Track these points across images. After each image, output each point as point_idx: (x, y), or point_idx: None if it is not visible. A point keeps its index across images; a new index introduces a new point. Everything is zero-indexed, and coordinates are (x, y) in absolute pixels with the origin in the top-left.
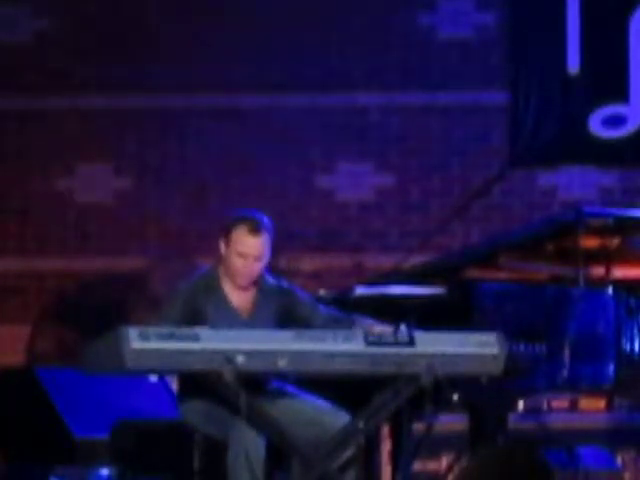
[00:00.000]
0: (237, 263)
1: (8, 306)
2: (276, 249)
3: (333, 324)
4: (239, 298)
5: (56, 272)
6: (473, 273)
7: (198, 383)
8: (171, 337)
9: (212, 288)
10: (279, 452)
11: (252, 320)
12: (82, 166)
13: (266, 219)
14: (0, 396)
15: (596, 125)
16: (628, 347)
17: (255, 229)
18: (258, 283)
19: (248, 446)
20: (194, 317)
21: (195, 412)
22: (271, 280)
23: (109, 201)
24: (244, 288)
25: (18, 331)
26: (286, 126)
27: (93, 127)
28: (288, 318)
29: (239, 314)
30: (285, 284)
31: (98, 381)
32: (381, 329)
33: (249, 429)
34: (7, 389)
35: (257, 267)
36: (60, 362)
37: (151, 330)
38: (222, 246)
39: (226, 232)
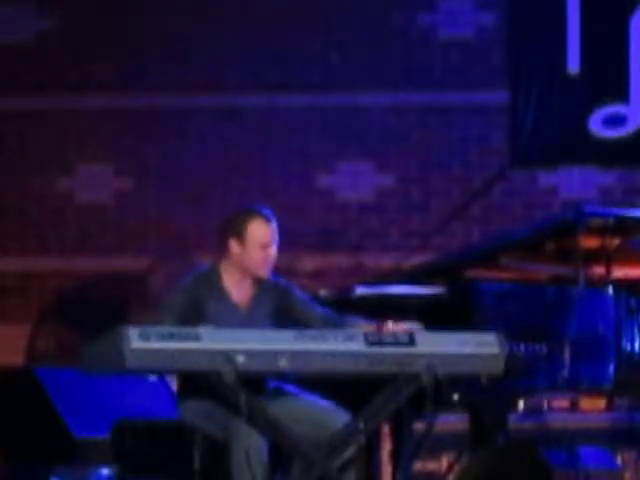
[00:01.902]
0: (259, 255)
1: (8, 306)
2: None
3: (326, 324)
4: (239, 293)
5: (56, 272)
6: (473, 273)
7: (197, 383)
8: (171, 337)
9: (213, 283)
10: (279, 452)
11: (250, 315)
12: (82, 166)
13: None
14: (0, 396)
15: (596, 125)
16: (628, 347)
17: (268, 217)
18: (258, 280)
19: (251, 447)
20: (194, 310)
21: (194, 412)
22: (271, 278)
23: (109, 201)
24: (258, 281)
25: (18, 331)
26: (286, 126)
27: (93, 127)
28: (284, 315)
29: (238, 308)
30: (283, 282)
31: (98, 381)
32: (372, 329)
33: (252, 430)
34: (7, 389)
35: (274, 254)
36: (60, 362)
37: (151, 330)
38: (234, 245)
39: (238, 231)
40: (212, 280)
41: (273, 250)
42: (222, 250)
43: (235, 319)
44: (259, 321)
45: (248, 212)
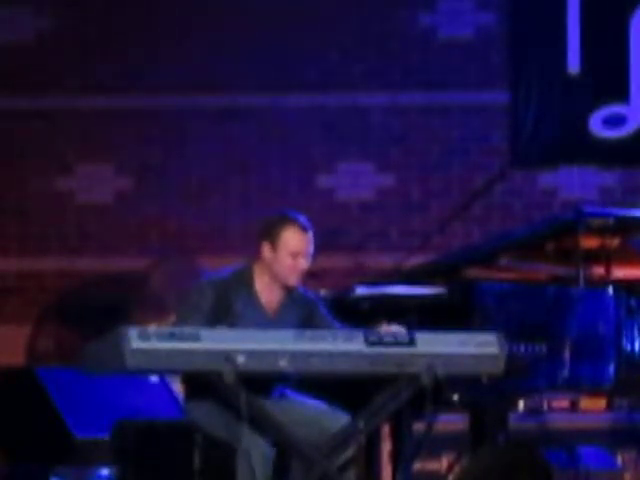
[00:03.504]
0: (289, 263)
1: (8, 306)
2: None
3: None
4: (268, 298)
5: (56, 272)
6: (473, 273)
7: (202, 383)
8: (171, 337)
9: (244, 285)
10: (279, 452)
11: (277, 320)
12: (82, 166)
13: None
14: (0, 396)
15: (596, 125)
16: (628, 347)
17: (305, 227)
18: (287, 287)
19: (257, 453)
20: (223, 310)
21: (199, 411)
22: (300, 288)
23: (109, 201)
24: (287, 288)
25: (18, 331)
26: (286, 126)
27: (93, 127)
28: (307, 326)
29: (266, 312)
30: (312, 295)
31: (98, 381)
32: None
33: (258, 436)
34: (7, 389)
35: (306, 264)
36: (60, 362)
37: (151, 330)
38: (266, 249)
39: (272, 235)
40: (244, 280)
41: (305, 260)
42: (256, 252)
43: (261, 322)
44: (284, 327)
45: (285, 218)
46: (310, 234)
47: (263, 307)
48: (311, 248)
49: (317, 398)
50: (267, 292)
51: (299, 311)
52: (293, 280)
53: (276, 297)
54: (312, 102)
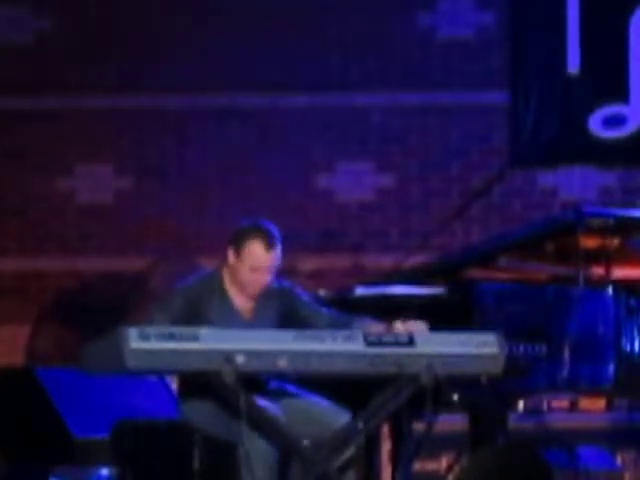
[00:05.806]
0: (249, 276)
1: (8, 306)
2: None
3: (333, 325)
4: (242, 301)
5: (56, 272)
6: (473, 273)
7: (198, 382)
8: (171, 337)
9: (215, 289)
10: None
11: (255, 321)
12: (82, 166)
13: (277, 230)
14: (0, 396)
15: (596, 125)
16: (628, 347)
17: (270, 244)
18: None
19: (260, 451)
20: (195, 316)
21: (196, 411)
22: (273, 282)
23: (109, 201)
24: (251, 296)
25: (18, 331)
26: (286, 126)
27: (93, 127)
28: (290, 318)
29: (241, 316)
30: (286, 284)
31: (98, 381)
32: (379, 328)
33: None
34: (7, 389)
35: (268, 278)
36: (60, 362)
37: (151, 330)
38: (231, 255)
39: (237, 243)
40: (214, 285)
41: (266, 276)
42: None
43: (239, 326)
44: (264, 328)
45: (254, 230)
46: (276, 251)
47: (238, 311)
48: (276, 263)
49: (317, 397)
50: (240, 295)
51: (277, 306)
52: (252, 291)
53: (249, 299)
54: (312, 102)
